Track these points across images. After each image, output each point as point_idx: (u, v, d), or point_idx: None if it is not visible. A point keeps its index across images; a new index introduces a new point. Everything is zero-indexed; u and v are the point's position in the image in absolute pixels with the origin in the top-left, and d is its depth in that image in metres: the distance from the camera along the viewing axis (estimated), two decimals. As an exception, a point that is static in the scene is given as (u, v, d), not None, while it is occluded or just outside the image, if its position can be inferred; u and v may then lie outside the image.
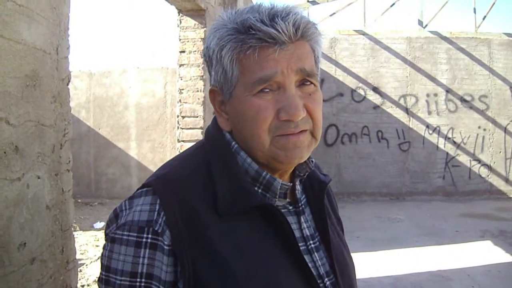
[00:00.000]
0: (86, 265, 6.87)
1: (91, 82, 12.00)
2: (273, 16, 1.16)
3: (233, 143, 1.27)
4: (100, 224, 9.54)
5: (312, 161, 1.35)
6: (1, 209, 2.25)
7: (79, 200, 11.62)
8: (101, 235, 8.69)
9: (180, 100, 6.60)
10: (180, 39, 6.64)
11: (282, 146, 1.20)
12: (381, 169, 12.23)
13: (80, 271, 5.48)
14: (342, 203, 11.36)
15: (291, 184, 1.31)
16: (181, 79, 6.61)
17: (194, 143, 1.41)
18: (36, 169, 2.58)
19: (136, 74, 11.83)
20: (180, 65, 6.62)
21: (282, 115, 1.17)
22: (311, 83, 1.23)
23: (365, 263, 6.72)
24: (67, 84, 3.00)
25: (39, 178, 2.61)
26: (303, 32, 1.19)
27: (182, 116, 6.55)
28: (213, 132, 1.32)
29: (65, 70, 2.96)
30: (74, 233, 8.36)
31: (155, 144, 11.79)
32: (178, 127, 6.54)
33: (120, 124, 11.98)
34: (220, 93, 1.27)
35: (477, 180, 12.24)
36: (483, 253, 7.43)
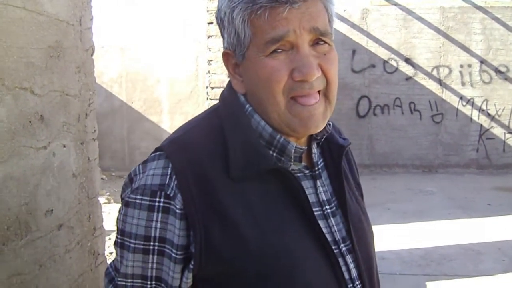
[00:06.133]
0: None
1: (123, 57, 12.09)
2: None
3: (247, 105, 1.26)
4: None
5: (330, 124, 1.32)
6: (28, 176, 2.30)
7: (113, 174, 11.79)
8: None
9: (209, 71, 6.58)
10: (208, 11, 6.61)
11: (297, 113, 1.18)
12: (413, 141, 12.11)
13: (110, 239, 5.61)
14: (374, 175, 11.33)
15: (306, 147, 1.29)
16: (210, 50, 6.59)
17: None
18: (62, 138, 2.64)
19: (167, 48, 11.87)
20: (209, 36, 6.60)
21: (296, 75, 1.14)
22: (325, 42, 1.19)
23: (396, 235, 6.69)
24: (91, 55, 3.04)
25: (64, 146, 2.67)
26: None
27: (211, 87, 6.54)
28: (227, 95, 1.31)
29: (89, 41, 3.00)
30: (107, 205, 8.47)
31: (188, 117, 11.63)
32: (207, 98, 6.54)
33: (153, 98, 12.07)
34: (234, 56, 1.25)
35: (512, 153, 12.07)
36: (515, 227, 7.36)
